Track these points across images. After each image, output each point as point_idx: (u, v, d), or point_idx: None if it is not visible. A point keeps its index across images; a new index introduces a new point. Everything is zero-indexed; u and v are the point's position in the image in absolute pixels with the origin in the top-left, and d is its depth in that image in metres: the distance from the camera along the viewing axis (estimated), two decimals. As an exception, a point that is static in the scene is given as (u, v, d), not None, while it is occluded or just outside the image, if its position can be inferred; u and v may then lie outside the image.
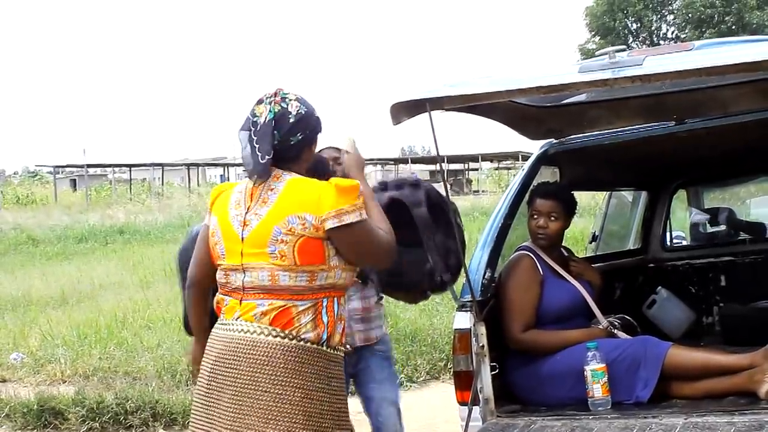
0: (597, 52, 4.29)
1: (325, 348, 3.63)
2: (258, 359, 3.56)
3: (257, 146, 3.63)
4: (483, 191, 50.68)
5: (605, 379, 4.63)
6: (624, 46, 4.36)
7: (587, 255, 7.44)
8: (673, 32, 53.38)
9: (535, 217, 5.14)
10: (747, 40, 5.40)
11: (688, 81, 4.37)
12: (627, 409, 4.63)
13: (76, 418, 8.25)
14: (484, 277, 4.90)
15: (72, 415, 8.28)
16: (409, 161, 61.41)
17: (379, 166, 62.23)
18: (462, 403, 4.78)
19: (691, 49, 4.44)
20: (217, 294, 3.84)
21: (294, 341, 3.56)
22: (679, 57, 4.21)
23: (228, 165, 55.90)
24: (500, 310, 5.01)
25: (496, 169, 65.94)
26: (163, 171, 45.24)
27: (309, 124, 3.72)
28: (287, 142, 3.67)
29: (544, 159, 5.56)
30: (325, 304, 3.64)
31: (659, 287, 6.51)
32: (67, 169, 64.44)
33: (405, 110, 4.41)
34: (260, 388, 3.54)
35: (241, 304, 3.67)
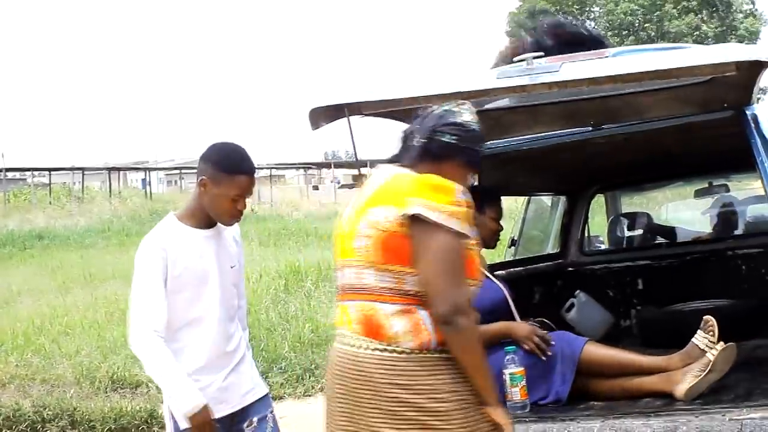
0: (515, 58, 4.33)
1: (434, 354, 3.32)
2: (359, 374, 3.35)
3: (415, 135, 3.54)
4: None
5: (523, 382, 4.65)
6: (542, 53, 4.39)
7: (506, 259, 7.48)
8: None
9: None
10: (663, 47, 5.47)
11: (605, 87, 4.41)
12: (545, 411, 4.66)
13: (-8, 426, 8.11)
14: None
15: (-13, 424, 8.15)
16: (332, 166, 61.25)
17: (301, 171, 62.03)
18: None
19: (607, 56, 4.50)
20: None
21: (395, 353, 3.30)
22: (595, 64, 4.26)
23: (149, 169, 55.33)
24: None
25: (420, 173, 65.86)
26: (83, 175, 44.51)
27: (464, 137, 3.53)
28: (434, 140, 3.51)
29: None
30: (423, 313, 3.31)
31: (578, 291, 6.57)
32: (-15, 173, 63.39)
33: (323, 115, 4.40)
34: (367, 405, 3.33)
35: (344, 306, 3.51)
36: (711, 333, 4.75)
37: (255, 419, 4.29)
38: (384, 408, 3.29)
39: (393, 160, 3.62)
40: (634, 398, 4.66)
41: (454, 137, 3.52)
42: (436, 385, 3.30)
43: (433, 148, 3.51)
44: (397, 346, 3.30)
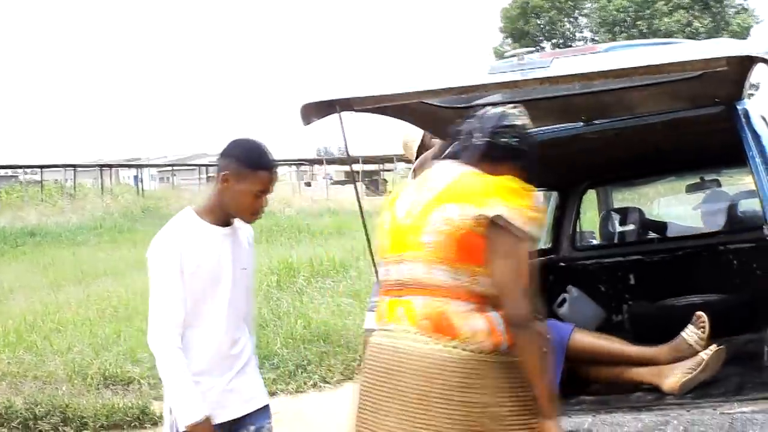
0: (506, 54, 4.33)
1: (501, 357, 3.31)
2: (428, 373, 3.27)
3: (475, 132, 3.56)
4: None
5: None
6: (533, 48, 4.43)
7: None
8: (582, 36, 54.04)
9: None
10: (654, 42, 5.48)
11: (596, 83, 4.42)
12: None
13: (-16, 423, 8.11)
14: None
15: (-21, 421, 8.14)
16: (324, 162, 61.28)
17: (294, 167, 62.02)
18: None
19: (598, 52, 4.51)
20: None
21: (466, 352, 3.27)
22: (585, 59, 4.27)
23: (142, 166, 55.34)
24: None
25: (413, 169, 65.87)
26: (75, 172, 44.55)
27: (523, 140, 3.60)
28: (495, 141, 3.54)
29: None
30: (495, 314, 3.31)
31: (569, 286, 6.58)
32: (-24, 171, 63.33)
33: (315, 111, 4.40)
34: (432, 405, 3.25)
35: (401, 301, 3.43)
36: (702, 329, 4.76)
37: (252, 429, 4.23)
38: (449, 407, 3.25)
39: (450, 157, 3.62)
40: (621, 387, 4.69)
41: (514, 140, 3.57)
42: (503, 387, 3.31)
43: (494, 149, 3.54)
44: (471, 346, 3.28)
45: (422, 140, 6.51)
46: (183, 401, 3.89)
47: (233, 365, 4.16)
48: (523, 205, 3.28)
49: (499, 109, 3.68)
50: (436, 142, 6.32)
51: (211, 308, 4.05)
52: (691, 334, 4.76)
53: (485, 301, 3.32)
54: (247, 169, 4.02)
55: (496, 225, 3.26)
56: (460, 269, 3.31)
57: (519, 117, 3.67)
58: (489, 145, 3.55)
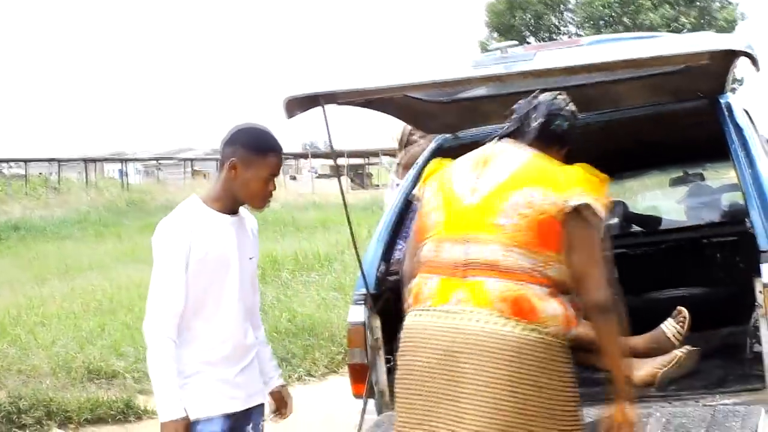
0: (489, 47, 4.35)
1: (566, 342, 3.33)
2: (505, 355, 3.21)
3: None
4: (384, 185, 50.81)
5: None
6: (516, 42, 4.41)
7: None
8: (568, 31, 54.06)
9: None
10: (637, 36, 5.49)
11: (579, 76, 4.43)
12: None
13: (-33, 417, 8.07)
14: (378, 271, 4.92)
15: (-37, 415, 8.11)
16: (310, 156, 61.21)
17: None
18: (357, 396, 4.80)
19: (582, 45, 4.52)
20: (415, 280, 3.51)
21: (542, 335, 3.24)
22: (569, 52, 4.29)
23: (127, 160, 55.15)
24: None
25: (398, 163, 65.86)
26: (59, 166, 44.43)
27: (574, 125, 3.69)
28: (551, 123, 3.59)
29: (438, 153, 5.58)
30: (565, 299, 3.33)
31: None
32: (-40, 164, 63.04)
33: (298, 104, 4.39)
34: (495, 384, 3.20)
35: (464, 282, 3.32)
36: (681, 324, 4.80)
37: (248, 428, 4.17)
38: (517, 389, 3.21)
39: (505, 137, 3.63)
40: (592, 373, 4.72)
41: (567, 123, 3.64)
42: (567, 372, 3.32)
43: (549, 132, 3.60)
44: (548, 329, 3.26)
45: (404, 135, 6.50)
46: (165, 396, 3.83)
47: (246, 356, 4.12)
48: (601, 194, 3.35)
49: (551, 95, 3.73)
50: (416, 139, 6.33)
51: (221, 297, 3.98)
52: (670, 327, 4.79)
53: (557, 286, 3.32)
54: (256, 155, 3.97)
55: (577, 213, 3.30)
56: (537, 253, 3.29)
57: (568, 103, 3.72)
58: (543, 127, 3.59)
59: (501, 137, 3.64)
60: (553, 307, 3.27)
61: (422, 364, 3.34)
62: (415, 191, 3.65)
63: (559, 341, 3.29)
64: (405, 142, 6.47)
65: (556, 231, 3.29)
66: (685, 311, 4.82)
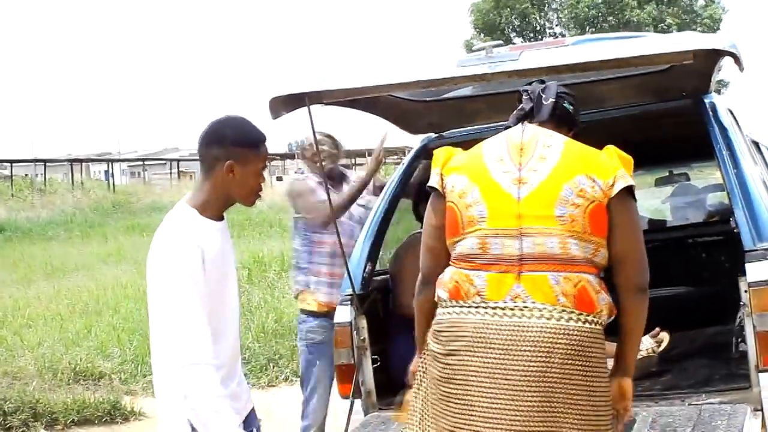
0: (474, 47, 4.35)
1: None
2: (572, 351, 3.15)
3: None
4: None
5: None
6: (501, 41, 4.42)
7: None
8: (553, 32, 54.14)
9: None
10: (622, 36, 5.50)
11: (564, 76, 4.44)
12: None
13: (-47, 419, 8.04)
14: (364, 271, 4.93)
15: (-52, 417, 8.08)
16: (296, 156, 61.13)
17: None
18: (344, 396, 4.80)
19: (566, 45, 4.54)
20: (451, 274, 3.37)
21: (593, 325, 3.20)
22: (554, 52, 4.30)
23: (112, 161, 54.95)
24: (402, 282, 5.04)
25: (384, 163, 66.01)
26: (45, 167, 44.24)
27: (576, 109, 3.69)
28: (559, 103, 3.59)
29: (423, 153, 5.58)
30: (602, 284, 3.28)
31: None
32: (-55, 165, 62.83)
33: (284, 104, 4.39)
34: (572, 380, 3.14)
35: (521, 276, 3.21)
36: (656, 344, 4.85)
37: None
38: (590, 382, 3.18)
39: (522, 118, 3.56)
40: None
41: (571, 106, 3.64)
42: (603, 359, 3.27)
43: (561, 110, 3.59)
44: (599, 318, 3.23)
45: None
46: (226, 424, 3.53)
47: (238, 366, 3.89)
48: (631, 174, 3.31)
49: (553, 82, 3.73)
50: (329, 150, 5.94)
51: (222, 308, 3.70)
52: (645, 342, 4.81)
53: (599, 273, 3.28)
54: (250, 150, 3.70)
55: (621, 196, 3.25)
56: (589, 241, 3.23)
57: (571, 89, 3.75)
58: (555, 106, 3.58)
59: (518, 120, 3.55)
60: (603, 297, 3.24)
61: (480, 363, 3.21)
62: (432, 183, 3.46)
63: (601, 330, 3.25)
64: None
65: (603, 216, 3.24)
66: (664, 334, 4.88)
